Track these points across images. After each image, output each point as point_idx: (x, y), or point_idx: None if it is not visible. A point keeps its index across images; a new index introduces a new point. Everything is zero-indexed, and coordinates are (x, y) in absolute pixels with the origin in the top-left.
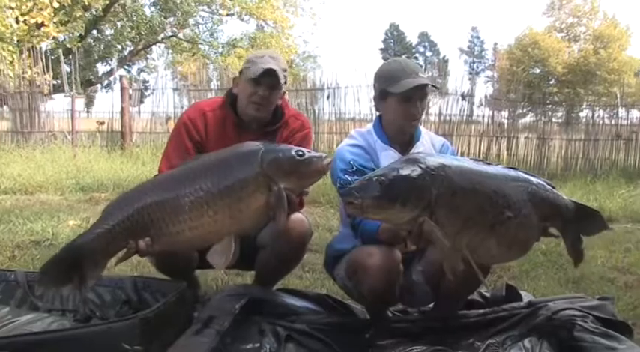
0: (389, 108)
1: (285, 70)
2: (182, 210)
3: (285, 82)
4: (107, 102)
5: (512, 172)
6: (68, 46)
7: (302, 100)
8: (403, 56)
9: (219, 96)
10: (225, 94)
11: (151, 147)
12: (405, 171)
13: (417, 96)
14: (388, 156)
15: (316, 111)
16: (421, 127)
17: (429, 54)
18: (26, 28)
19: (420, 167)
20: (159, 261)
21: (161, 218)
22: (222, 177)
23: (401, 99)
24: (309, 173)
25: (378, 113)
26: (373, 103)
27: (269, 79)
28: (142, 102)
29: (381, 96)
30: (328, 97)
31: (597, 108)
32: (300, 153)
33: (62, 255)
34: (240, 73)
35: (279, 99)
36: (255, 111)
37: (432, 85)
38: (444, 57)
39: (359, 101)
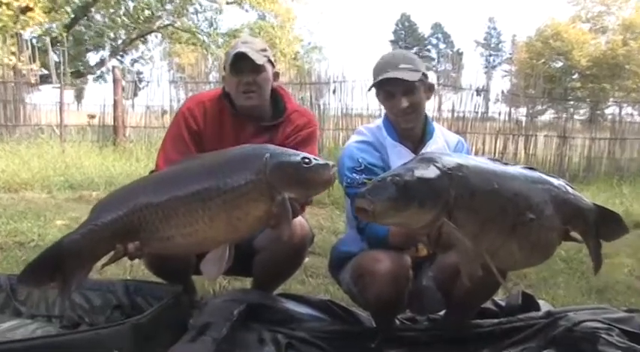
0: (382, 104)
1: (264, 50)
2: (175, 215)
3: (272, 63)
4: (99, 95)
5: (531, 173)
6: (55, 34)
7: (306, 94)
8: (414, 48)
9: (220, 88)
10: (223, 87)
11: (145, 143)
12: (420, 171)
13: (398, 91)
14: (399, 154)
15: (321, 106)
16: (435, 124)
17: (442, 46)
18: (11, 13)
19: (437, 166)
20: (153, 263)
21: (152, 221)
22: (221, 182)
23: (384, 96)
24: (315, 183)
25: None
26: None
27: (246, 64)
28: (135, 95)
29: (376, 92)
30: (334, 91)
31: (625, 104)
32: (307, 160)
33: (46, 254)
34: (224, 69)
35: (269, 82)
36: (246, 100)
37: (408, 78)
38: (458, 49)
39: (367, 96)
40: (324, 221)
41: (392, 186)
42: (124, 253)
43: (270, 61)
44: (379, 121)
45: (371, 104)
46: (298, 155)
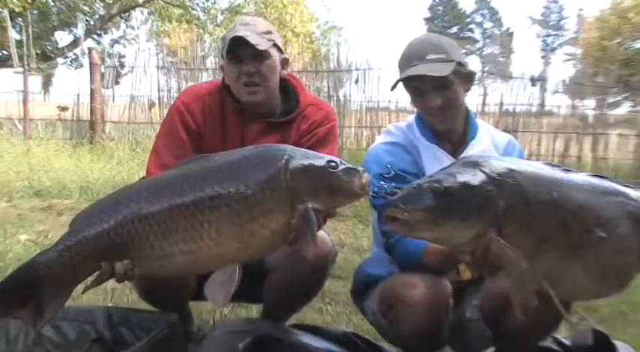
0: (412, 102)
1: (268, 33)
2: (174, 228)
3: (280, 48)
4: (71, 83)
5: (601, 181)
6: (15, 6)
7: (323, 84)
8: (453, 28)
9: (214, 81)
10: (222, 77)
11: (129, 141)
12: (463, 177)
13: (427, 87)
14: (435, 158)
15: (341, 99)
16: (479, 121)
17: (488, 25)
18: None
19: (483, 171)
20: (144, 286)
21: (145, 236)
22: (232, 188)
23: (412, 93)
24: (343, 191)
25: None
26: None
27: (246, 50)
28: (117, 83)
29: (404, 86)
30: (357, 81)
31: None
32: (334, 164)
33: (15, 277)
34: (222, 57)
35: (276, 71)
36: (249, 95)
37: (438, 74)
38: (507, 29)
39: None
40: (345, 237)
41: (430, 193)
42: (110, 274)
43: (276, 45)
44: (411, 118)
45: (401, 97)
46: (322, 158)
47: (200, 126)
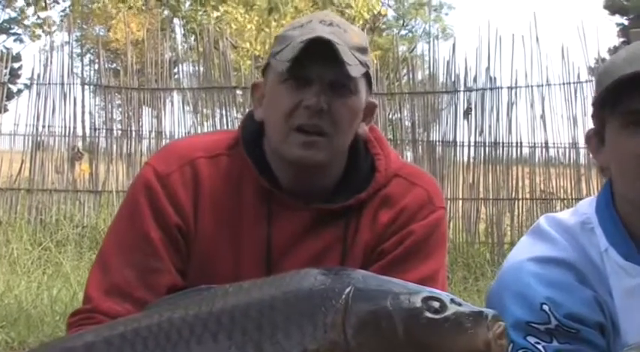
0: (619, 151)
1: (362, 50)
2: None
3: (370, 83)
4: None
5: None
6: None
7: (403, 115)
8: None
9: (223, 132)
10: (240, 123)
11: (30, 229)
12: None
13: None
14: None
15: (436, 145)
16: None
17: None
18: None
19: None
20: None
21: None
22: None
23: (622, 124)
24: None
25: (603, 172)
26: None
27: (324, 70)
28: (5, 109)
29: (600, 120)
30: (469, 112)
31: None
32: (437, 304)
33: None
34: (265, 70)
35: (358, 120)
36: (305, 148)
37: None
38: None
39: (563, 125)
40: None
41: None
42: None
43: (368, 75)
44: (586, 205)
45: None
46: (417, 292)
47: (189, 215)
